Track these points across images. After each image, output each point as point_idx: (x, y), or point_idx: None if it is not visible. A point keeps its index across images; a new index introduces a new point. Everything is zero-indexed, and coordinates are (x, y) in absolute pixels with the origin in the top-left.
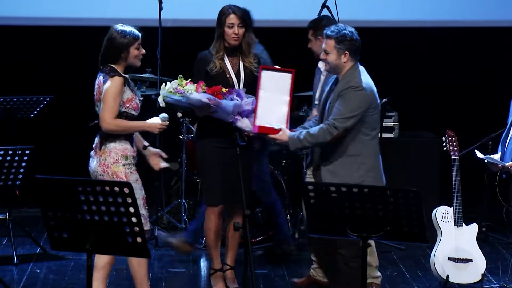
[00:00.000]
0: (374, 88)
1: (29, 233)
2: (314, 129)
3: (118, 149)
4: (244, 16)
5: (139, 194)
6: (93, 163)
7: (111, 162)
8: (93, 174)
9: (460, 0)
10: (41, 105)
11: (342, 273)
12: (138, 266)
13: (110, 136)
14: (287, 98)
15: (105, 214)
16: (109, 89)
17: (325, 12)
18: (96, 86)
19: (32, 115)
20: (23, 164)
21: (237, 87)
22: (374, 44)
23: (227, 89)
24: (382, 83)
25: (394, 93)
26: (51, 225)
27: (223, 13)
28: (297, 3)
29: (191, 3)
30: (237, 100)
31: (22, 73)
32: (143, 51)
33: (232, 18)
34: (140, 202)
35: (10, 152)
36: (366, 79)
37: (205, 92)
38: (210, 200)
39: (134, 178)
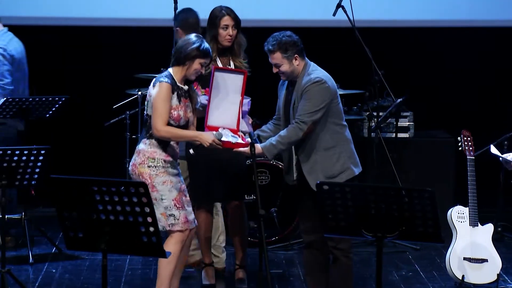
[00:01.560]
0: (332, 79)
1: (45, 232)
2: (283, 132)
3: (146, 151)
4: (237, 17)
5: (168, 195)
6: (130, 162)
7: (138, 162)
8: (129, 172)
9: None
10: (57, 105)
11: (343, 266)
12: (167, 264)
13: (144, 138)
14: (238, 99)
15: (120, 214)
16: (156, 95)
17: (340, 12)
18: (149, 86)
19: (47, 115)
20: (39, 164)
21: None
22: (390, 43)
23: None
24: (397, 82)
25: (409, 93)
26: (66, 225)
27: (217, 15)
28: (312, 3)
29: (206, 2)
30: None
31: (35, 74)
32: (204, 71)
33: (227, 20)
34: (170, 203)
35: (25, 152)
36: (322, 72)
37: (204, 94)
38: (200, 197)
39: (160, 180)
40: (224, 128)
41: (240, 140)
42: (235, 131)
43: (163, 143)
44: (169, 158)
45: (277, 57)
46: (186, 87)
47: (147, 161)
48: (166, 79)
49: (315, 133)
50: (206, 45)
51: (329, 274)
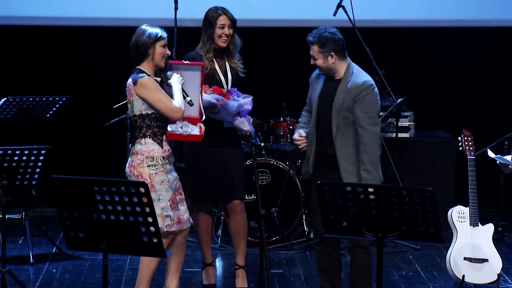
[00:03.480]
0: None
1: (45, 232)
2: (363, 155)
3: (144, 151)
4: (233, 17)
5: (165, 195)
6: (127, 164)
7: (137, 163)
8: (126, 174)
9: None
10: (57, 105)
11: (364, 262)
12: (147, 265)
13: (138, 138)
14: (198, 90)
15: (121, 214)
16: (147, 91)
17: (340, 12)
18: (127, 88)
19: (48, 115)
20: (39, 164)
21: (226, 87)
22: (390, 43)
23: (225, 90)
24: (398, 82)
25: (410, 93)
26: (67, 225)
27: (213, 15)
28: (312, 3)
29: (207, 3)
30: (238, 100)
31: (37, 73)
32: (168, 52)
33: (223, 19)
34: (166, 203)
35: (26, 152)
36: (366, 74)
37: (212, 93)
38: (199, 197)
39: (159, 179)
40: (183, 121)
41: (195, 131)
42: (197, 121)
43: (159, 139)
44: (166, 153)
45: (314, 50)
46: (159, 79)
47: (146, 160)
48: (143, 74)
49: (353, 136)
50: (156, 28)
51: (351, 269)
